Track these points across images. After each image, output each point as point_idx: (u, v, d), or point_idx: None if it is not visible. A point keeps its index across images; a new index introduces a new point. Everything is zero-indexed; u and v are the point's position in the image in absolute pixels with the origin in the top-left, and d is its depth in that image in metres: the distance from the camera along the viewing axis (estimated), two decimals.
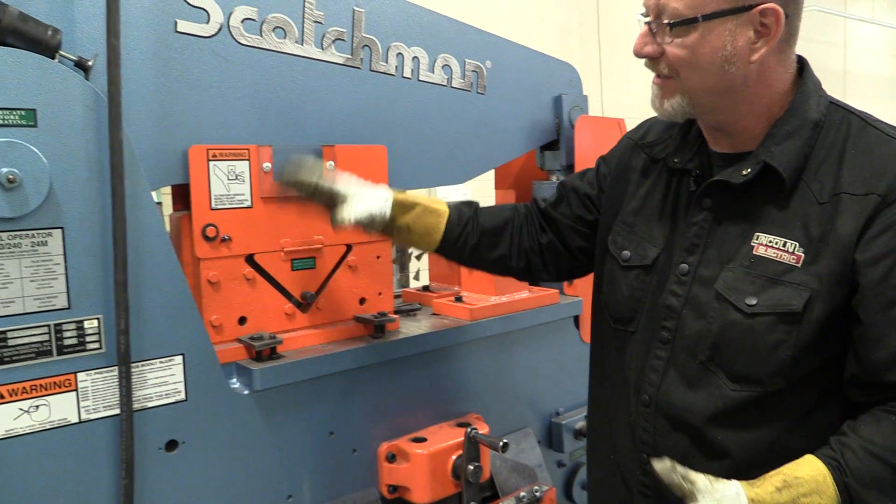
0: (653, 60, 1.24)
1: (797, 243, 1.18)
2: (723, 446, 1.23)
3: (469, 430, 1.67)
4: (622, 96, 6.97)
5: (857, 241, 1.14)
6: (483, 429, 1.72)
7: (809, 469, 1.11)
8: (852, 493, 1.09)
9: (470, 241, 1.54)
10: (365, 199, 1.45)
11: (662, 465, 1.13)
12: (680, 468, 1.12)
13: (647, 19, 1.21)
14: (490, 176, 2.32)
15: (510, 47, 2.03)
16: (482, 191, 3.12)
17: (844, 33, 10.65)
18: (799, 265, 1.17)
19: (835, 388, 1.21)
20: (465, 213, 1.56)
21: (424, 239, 1.53)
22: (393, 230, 1.50)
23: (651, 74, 1.29)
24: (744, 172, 1.22)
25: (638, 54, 1.24)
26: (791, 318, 1.16)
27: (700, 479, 1.10)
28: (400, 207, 1.49)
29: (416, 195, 1.54)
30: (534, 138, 2.12)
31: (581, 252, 1.57)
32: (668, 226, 1.35)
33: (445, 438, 1.67)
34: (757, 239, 1.21)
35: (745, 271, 1.21)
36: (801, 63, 1.28)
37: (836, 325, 1.17)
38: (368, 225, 1.46)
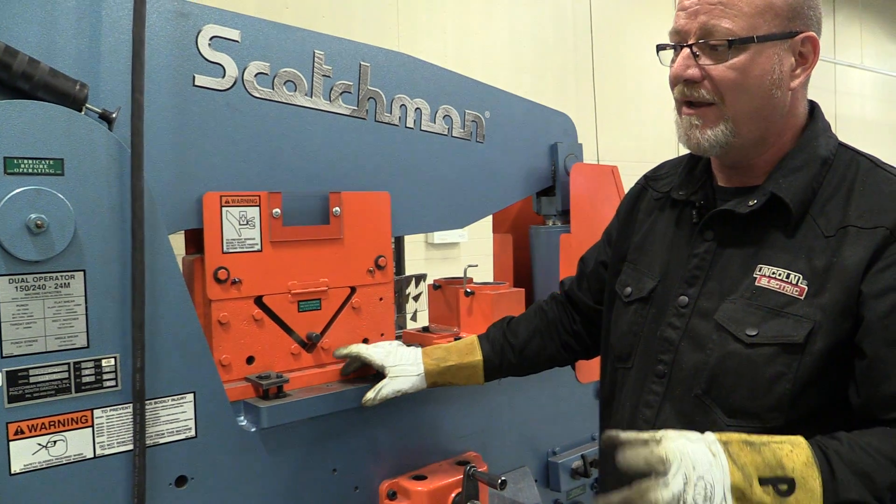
0: (692, 85, 1.23)
1: (801, 275, 1.16)
2: None
3: (468, 467, 1.71)
4: (617, 142, 7.11)
5: (864, 272, 1.13)
6: (482, 467, 1.77)
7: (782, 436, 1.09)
8: (831, 459, 1.05)
9: (513, 362, 1.67)
10: (397, 376, 1.59)
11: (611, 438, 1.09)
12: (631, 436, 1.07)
13: (688, 43, 1.21)
14: (488, 221, 2.40)
15: (508, 98, 2.13)
16: (480, 234, 3.19)
17: (834, 79, 10.89)
18: (802, 297, 1.15)
19: (840, 430, 1.15)
20: (497, 341, 1.67)
21: (468, 383, 1.66)
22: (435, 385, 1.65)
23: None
24: (750, 203, 1.23)
25: (679, 77, 1.23)
26: (792, 350, 1.14)
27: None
28: (435, 375, 1.62)
29: (449, 350, 1.66)
30: (530, 185, 2.21)
31: None
32: (667, 258, 1.36)
33: (445, 476, 1.71)
34: (759, 270, 1.20)
35: (747, 302, 1.20)
36: (812, 105, 1.32)
37: (839, 360, 1.14)
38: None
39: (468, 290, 2.05)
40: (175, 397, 1.41)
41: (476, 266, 2.24)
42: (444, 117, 1.95)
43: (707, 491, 1.01)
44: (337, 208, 1.70)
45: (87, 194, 1.29)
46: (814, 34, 1.22)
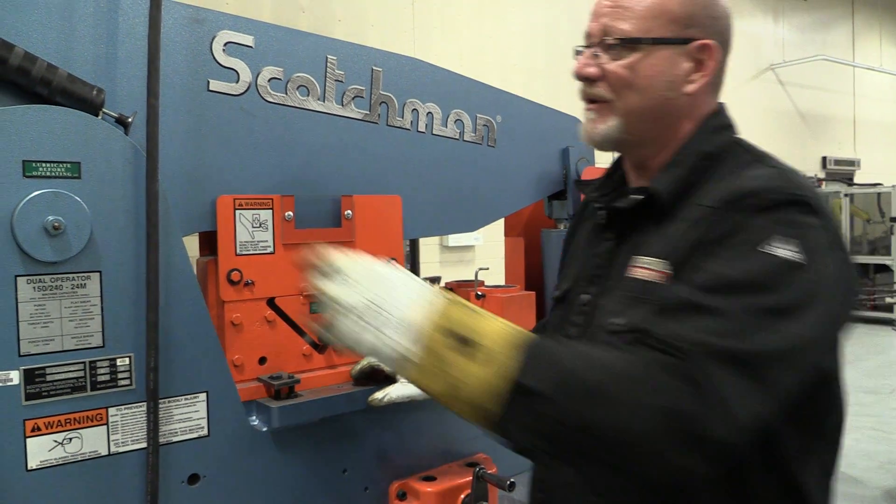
0: (590, 84, 1.29)
1: (668, 262, 1.18)
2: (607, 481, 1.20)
3: (478, 469, 1.73)
4: None
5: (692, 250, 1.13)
6: (491, 469, 1.78)
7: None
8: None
9: None
10: (408, 384, 1.56)
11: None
12: None
13: (591, 43, 1.28)
14: (500, 224, 2.42)
15: (519, 102, 2.14)
16: (495, 238, 3.20)
17: (853, 81, 10.81)
18: (664, 283, 1.17)
19: None
20: None
21: None
22: None
23: None
24: (630, 198, 1.27)
25: (579, 74, 1.29)
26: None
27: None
28: None
29: None
30: (542, 188, 2.22)
31: None
32: (581, 260, 1.41)
33: (454, 478, 1.72)
34: (635, 262, 1.23)
35: (621, 294, 1.23)
36: (719, 106, 1.32)
37: None
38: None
39: (479, 292, 2.07)
40: (188, 396, 1.44)
41: (487, 269, 2.26)
42: (455, 121, 1.97)
43: (375, 309, 1.09)
44: (349, 211, 1.72)
45: (103, 197, 1.32)
46: (712, 43, 1.24)
